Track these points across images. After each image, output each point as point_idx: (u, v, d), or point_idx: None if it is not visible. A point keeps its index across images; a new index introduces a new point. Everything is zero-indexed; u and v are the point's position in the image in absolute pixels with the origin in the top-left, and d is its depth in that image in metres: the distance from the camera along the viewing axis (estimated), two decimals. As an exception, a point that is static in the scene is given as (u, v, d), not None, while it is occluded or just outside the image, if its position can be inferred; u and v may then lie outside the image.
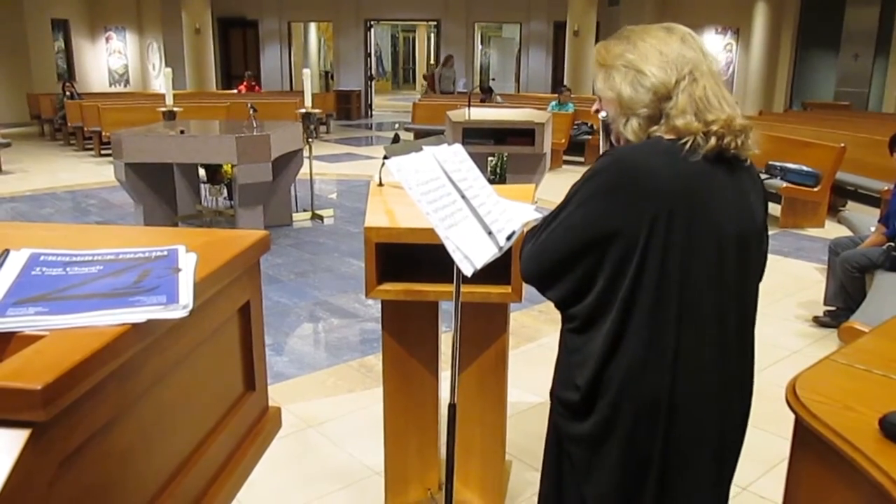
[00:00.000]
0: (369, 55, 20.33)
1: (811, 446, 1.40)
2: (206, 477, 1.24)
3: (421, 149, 1.92)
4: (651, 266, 1.44)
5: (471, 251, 1.74)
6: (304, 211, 7.66)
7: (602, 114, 1.63)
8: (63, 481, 0.86)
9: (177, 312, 0.99)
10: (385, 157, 2.98)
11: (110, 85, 19.17)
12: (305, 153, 7.43)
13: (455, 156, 2.08)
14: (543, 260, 1.57)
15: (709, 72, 1.50)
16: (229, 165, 6.76)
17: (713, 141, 1.44)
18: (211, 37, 17.39)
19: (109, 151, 11.74)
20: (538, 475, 3.16)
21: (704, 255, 1.47)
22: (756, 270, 1.59)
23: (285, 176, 7.11)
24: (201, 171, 7.48)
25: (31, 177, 10.52)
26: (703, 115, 1.46)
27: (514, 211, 2.19)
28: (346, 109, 18.67)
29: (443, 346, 2.82)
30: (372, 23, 20.32)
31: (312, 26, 23.64)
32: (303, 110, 7.54)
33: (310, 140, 7.47)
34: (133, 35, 19.30)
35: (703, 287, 1.48)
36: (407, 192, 1.73)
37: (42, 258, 1.17)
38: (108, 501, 0.98)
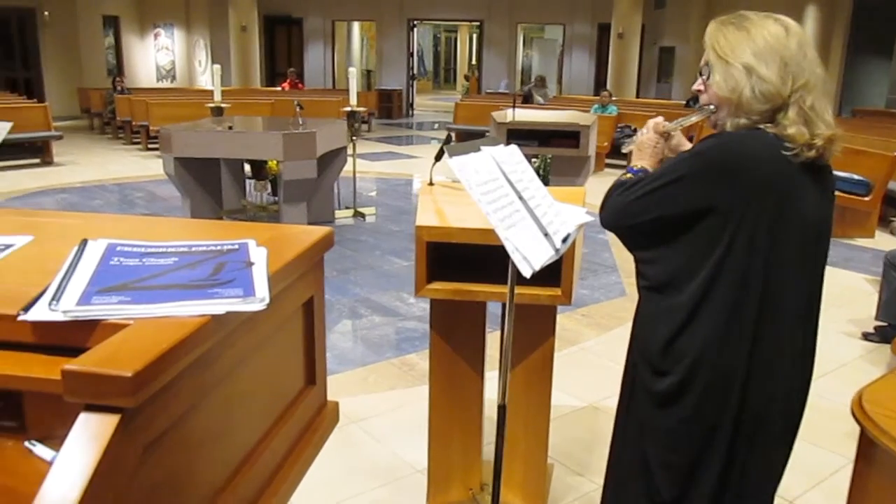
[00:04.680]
0: (411, 55, 20.41)
1: (878, 461, 1.37)
2: (270, 469, 1.26)
3: (479, 149, 1.92)
4: (740, 244, 1.55)
5: (529, 252, 1.74)
6: (347, 208, 7.72)
7: (703, 97, 1.70)
8: (146, 466, 0.88)
9: (254, 305, 1.00)
10: (436, 157, 3.00)
11: (157, 80, 19.54)
12: (349, 151, 7.49)
13: (512, 156, 2.08)
14: (629, 219, 1.70)
15: (818, 83, 1.59)
16: (275, 161, 6.84)
17: (814, 152, 1.56)
18: (257, 34, 17.61)
19: (156, 145, 12.00)
20: (580, 479, 3.18)
21: (790, 240, 1.59)
22: (824, 259, 1.72)
23: (329, 173, 7.17)
24: (246, 167, 7.59)
25: (81, 169, 10.77)
26: (811, 127, 1.55)
27: (568, 213, 2.19)
28: (387, 108, 18.77)
29: (487, 347, 2.83)
30: (415, 22, 20.40)
31: (356, 25, 23.81)
32: (348, 108, 7.60)
33: (353, 138, 7.53)
34: (181, 32, 19.64)
35: (786, 269, 1.60)
36: (467, 191, 1.73)
37: (118, 248, 1.20)
38: (182, 488, 1.00)
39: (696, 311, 1.60)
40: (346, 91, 7.99)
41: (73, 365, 0.81)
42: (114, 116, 13.82)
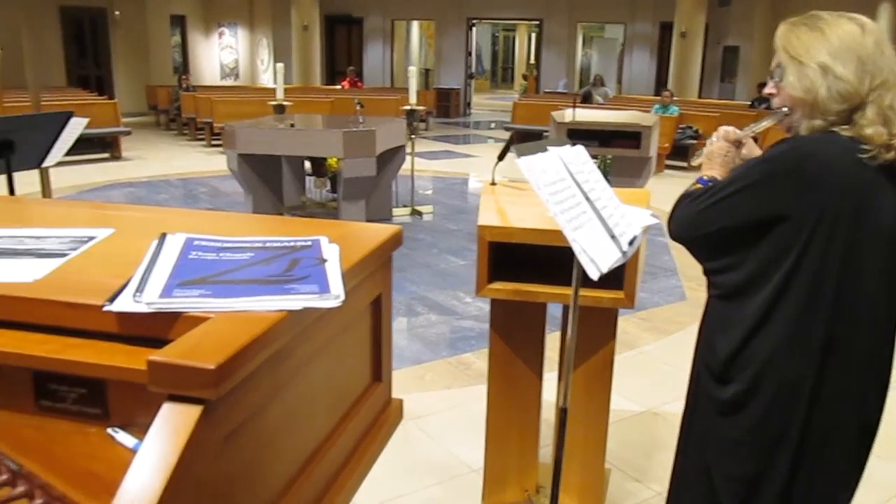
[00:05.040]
0: (470, 54, 20.42)
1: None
2: (336, 465, 1.27)
3: (546, 149, 1.91)
4: (813, 253, 1.52)
5: (596, 254, 1.72)
6: (404, 206, 7.76)
7: (776, 100, 1.66)
8: (223, 458, 0.90)
9: (330, 302, 1.01)
10: (499, 157, 2.99)
11: (221, 78, 19.99)
12: (407, 149, 7.54)
13: (578, 157, 2.06)
14: (700, 229, 1.66)
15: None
16: (335, 159, 6.93)
17: (892, 154, 1.49)
18: (318, 34, 17.85)
19: (219, 142, 12.27)
20: (638, 486, 3.13)
21: (865, 249, 1.54)
22: None
23: (388, 171, 7.23)
24: (306, 164, 7.70)
25: (148, 163, 11.09)
26: (890, 127, 1.49)
27: (634, 215, 2.15)
28: (445, 107, 18.82)
29: (546, 349, 2.81)
30: (474, 22, 20.40)
31: (415, 24, 23.93)
32: (407, 107, 7.64)
33: (412, 137, 7.57)
34: (244, 31, 20.06)
35: (861, 275, 1.55)
36: (536, 191, 1.72)
37: (195, 243, 1.23)
38: (255, 482, 1.02)
39: (766, 318, 1.57)
40: (405, 90, 8.05)
41: (158, 356, 0.83)
42: (179, 113, 14.20)
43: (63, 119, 3.24)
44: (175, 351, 0.85)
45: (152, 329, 0.97)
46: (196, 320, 0.96)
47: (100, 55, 17.69)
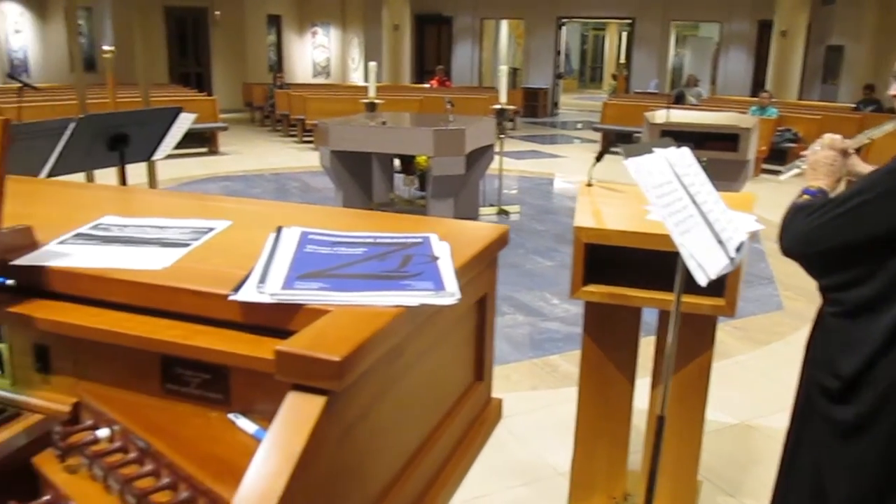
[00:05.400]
0: (559, 53, 20.23)
1: None
2: (438, 462, 1.28)
3: (652, 150, 1.87)
4: None
5: (704, 260, 1.67)
6: (491, 205, 7.76)
7: None
8: (340, 450, 0.91)
9: (446, 299, 1.02)
10: (597, 158, 2.95)
11: (313, 76, 20.49)
12: (496, 148, 7.52)
13: (683, 159, 2.01)
14: (818, 244, 1.58)
15: None
16: (424, 157, 6.99)
17: None
18: (408, 33, 18.07)
19: (310, 138, 12.57)
20: (730, 500, 3.03)
21: None
22: None
23: (476, 170, 7.23)
24: (396, 161, 7.80)
25: (243, 158, 11.47)
26: None
27: (739, 220, 2.08)
28: (532, 107, 18.72)
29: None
30: (564, 21, 20.19)
31: (504, 23, 23.88)
32: (497, 106, 7.63)
33: (501, 136, 7.55)
34: (336, 30, 20.51)
35: None
36: (644, 193, 1.68)
37: (310, 236, 1.26)
38: (365, 475, 1.03)
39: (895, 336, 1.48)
40: (493, 89, 8.03)
41: (285, 346, 0.85)
42: (273, 110, 14.63)
43: (173, 114, 3.39)
44: (301, 342, 0.87)
45: (273, 319, 1.00)
46: (315, 312, 0.98)
47: (200, 54, 18.42)
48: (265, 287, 1.01)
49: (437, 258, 1.17)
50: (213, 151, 11.91)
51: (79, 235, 1.31)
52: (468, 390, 1.42)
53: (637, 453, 3.04)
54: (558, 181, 10.28)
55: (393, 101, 12.34)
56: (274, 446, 0.81)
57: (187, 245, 1.26)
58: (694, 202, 1.84)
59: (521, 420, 3.57)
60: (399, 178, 8.03)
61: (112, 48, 4.95)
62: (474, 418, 1.44)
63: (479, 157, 7.21)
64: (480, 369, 1.46)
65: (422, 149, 6.54)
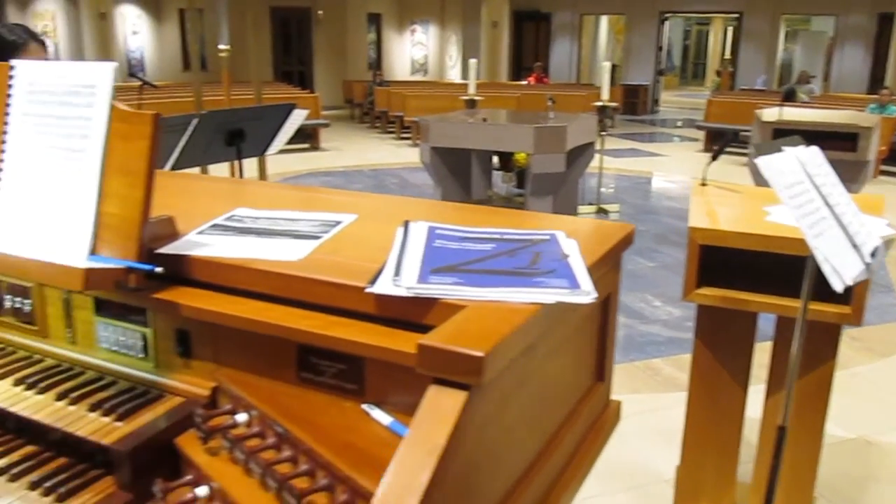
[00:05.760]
0: (660, 49, 19.72)
1: None
2: (561, 463, 1.26)
3: (781, 149, 1.78)
4: None
5: (840, 264, 1.58)
6: (590, 204, 7.64)
7: None
8: (475, 445, 0.91)
9: (583, 298, 1.00)
10: (713, 157, 2.85)
11: (411, 74, 20.74)
12: (596, 146, 7.40)
13: (814, 158, 1.91)
14: None
15: None
16: (523, 154, 6.95)
17: None
18: (506, 30, 18.02)
19: (408, 135, 12.74)
20: (848, 519, 2.87)
21: None
22: None
23: (576, 168, 7.14)
24: (494, 158, 7.79)
25: (343, 154, 11.74)
26: None
27: (872, 224, 1.97)
28: (631, 104, 18.33)
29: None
30: (667, 16, 19.66)
31: (604, 19, 23.48)
32: (599, 103, 7.51)
33: (602, 133, 7.42)
34: (435, 28, 20.68)
35: None
36: (776, 193, 1.61)
37: (437, 231, 1.26)
38: (494, 473, 1.03)
39: None
40: (591, 85, 7.90)
41: (427, 340, 0.86)
42: (372, 107, 14.90)
43: (287, 111, 3.49)
44: (443, 336, 0.87)
45: (408, 312, 1.01)
46: (450, 307, 0.98)
47: (303, 52, 18.96)
48: (400, 280, 1.02)
49: (567, 256, 1.15)
50: (315, 147, 12.23)
51: (215, 226, 1.36)
52: (589, 391, 1.39)
53: (747, 464, 2.92)
54: (657, 180, 10.02)
55: (491, 98, 12.33)
56: (417, 439, 0.81)
57: (318, 237, 1.29)
58: (826, 204, 1.75)
59: (623, 424, 3.48)
60: (497, 176, 8.02)
61: (228, 47, 5.15)
62: (595, 420, 1.42)
63: (580, 154, 7.10)
64: (602, 370, 1.43)
65: (522, 146, 6.50)
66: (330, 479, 0.93)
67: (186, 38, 17.67)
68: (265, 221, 1.39)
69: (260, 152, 3.63)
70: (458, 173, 7.14)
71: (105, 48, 15.82)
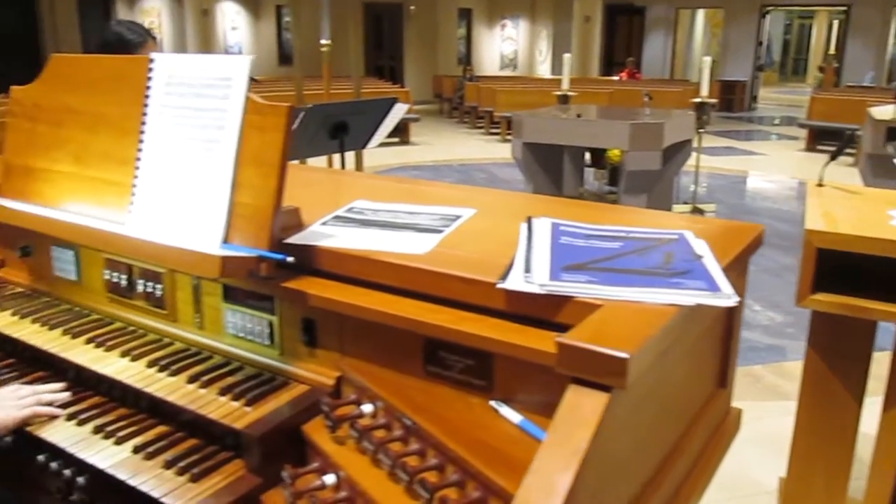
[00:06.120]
0: (760, 43, 18.98)
1: None
2: (685, 470, 1.22)
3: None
4: None
5: None
6: (685, 203, 7.43)
7: None
8: (612, 448, 0.89)
9: (724, 301, 0.96)
10: (832, 156, 2.71)
11: (500, 69, 20.67)
12: (694, 144, 7.19)
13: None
14: None
15: None
16: (616, 151, 6.81)
17: None
18: (599, 25, 17.74)
19: (497, 130, 12.70)
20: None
21: None
22: None
23: (672, 165, 6.95)
24: (586, 155, 7.67)
25: (433, 149, 11.81)
26: None
27: None
28: (728, 100, 17.72)
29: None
30: (768, 9, 18.91)
31: (700, 13, 22.77)
32: (698, 99, 7.29)
33: (700, 131, 7.20)
34: (525, 23, 20.55)
35: None
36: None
37: (561, 228, 1.24)
38: (623, 476, 1.00)
39: None
40: (686, 81, 7.66)
41: (567, 339, 0.84)
42: (462, 102, 14.93)
43: (388, 105, 3.53)
44: (583, 335, 0.85)
45: (540, 310, 0.99)
46: (585, 306, 0.96)
47: (394, 47, 19.19)
48: (532, 277, 1.01)
49: (700, 257, 1.11)
50: (405, 141, 12.36)
51: (337, 218, 1.39)
52: (712, 397, 1.35)
53: (858, 479, 2.78)
54: (754, 179, 9.66)
55: (582, 93, 12.15)
56: (558, 441, 0.79)
57: (440, 231, 1.29)
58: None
59: (723, 431, 3.39)
60: (589, 172, 7.90)
61: (329, 42, 5.25)
62: (716, 427, 1.37)
63: (676, 152, 6.91)
64: (724, 377, 1.38)
65: (617, 142, 6.37)
66: (461, 475, 0.92)
67: (282, 34, 18.16)
68: (386, 214, 1.40)
69: (361, 145, 3.68)
70: (549, 169, 7.07)
71: (207, 43, 16.45)
